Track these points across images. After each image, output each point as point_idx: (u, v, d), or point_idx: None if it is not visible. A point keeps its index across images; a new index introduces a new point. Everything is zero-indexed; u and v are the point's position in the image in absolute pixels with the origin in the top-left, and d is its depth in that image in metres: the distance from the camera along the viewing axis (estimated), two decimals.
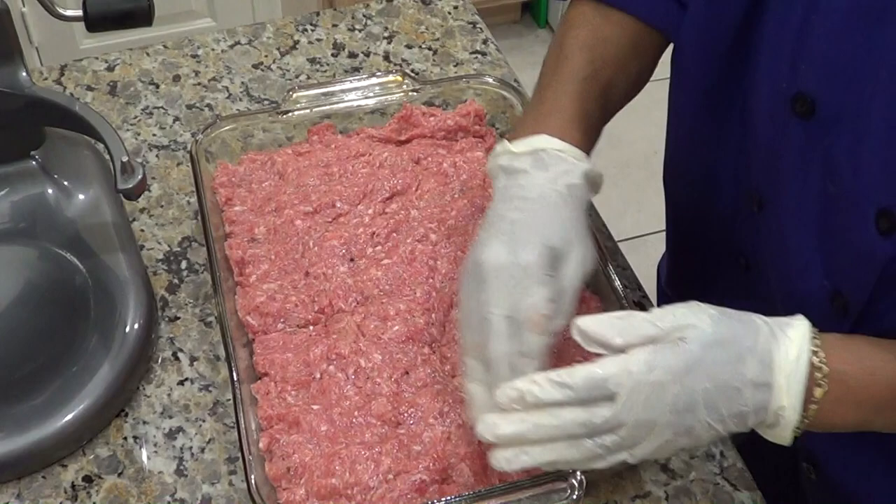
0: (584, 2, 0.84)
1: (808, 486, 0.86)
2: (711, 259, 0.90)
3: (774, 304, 0.78)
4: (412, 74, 1.02)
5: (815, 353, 0.64)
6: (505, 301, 0.67)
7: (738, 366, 0.62)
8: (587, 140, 0.77)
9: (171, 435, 0.81)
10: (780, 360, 0.63)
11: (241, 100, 1.08)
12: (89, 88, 1.09)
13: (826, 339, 0.65)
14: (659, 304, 1.00)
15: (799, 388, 0.63)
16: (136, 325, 0.82)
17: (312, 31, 1.16)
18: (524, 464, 0.64)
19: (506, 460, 0.64)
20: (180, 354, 0.86)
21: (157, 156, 1.02)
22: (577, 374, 0.62)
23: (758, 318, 0.65)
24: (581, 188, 0.73)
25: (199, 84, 1.10)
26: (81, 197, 0.91)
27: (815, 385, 0.63)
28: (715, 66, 0.78)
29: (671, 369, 0.62)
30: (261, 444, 0.75)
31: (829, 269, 0.72)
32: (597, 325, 0.64)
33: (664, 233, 1.01)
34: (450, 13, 1.19)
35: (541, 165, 0.73)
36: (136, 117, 1.06)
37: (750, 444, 0.81)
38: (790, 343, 0.64)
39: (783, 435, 0.65)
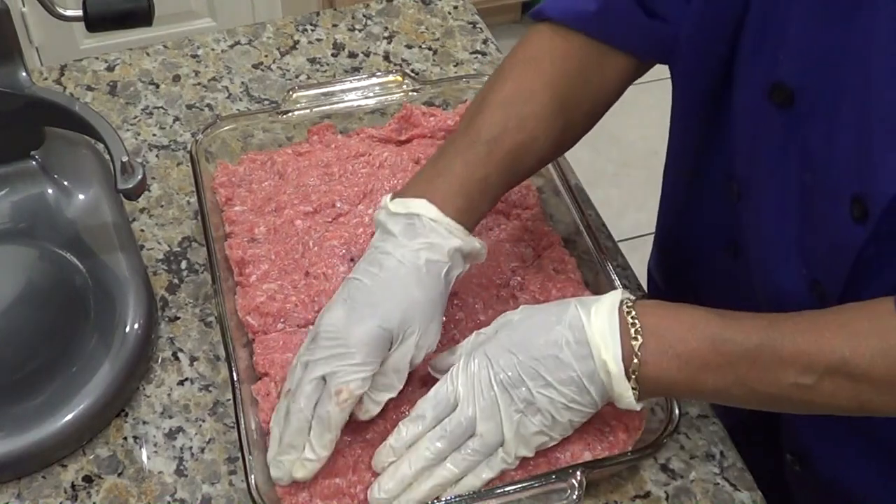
0: (543, 25, 0.83)
1: (793, 478, 0.87)
2: (702, 247, 0.91)
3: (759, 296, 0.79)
4: (412, 74, 1.02)
5: (627, 312, 0.68)
6: (325, 366, 0.70)
7: (548, 336, 0.68)
8: (472, 210, 0.75)
9: (171, 435, 0.81)
10: (591, 323, 0.68)
11: (241, 100, 1.08)
12: (89, 88, 1.09)
13: (642, 301, 0.69)
14: None
15: (614, 340, 0.67)
16: (136, 325, 0.82)
17: (312, 31, 1.16)
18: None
19: None
20: (180, 354, 0.86)
21: (157, 156, 1.02)
22: (422, 402, 0.70)
23: (571, 300, 0.70)
24: (442, 265, 0.73)
25: (199, 84, 1.10)
26: (81, 197, 0.91)
27: (632, 339, 0.67)
28: (712, 66, 0.78)
29: (489, 355, 0.69)
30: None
31: (806, 258, 0.73)
32: (439, 356, 0.75)
33: None
34: (450, 13, 1.19)
35: (410, 233, 0.73)
36: (136, 117, 1.06)
37: (733, 436, 0.82)
38: (600, 306, 0.68)
39: (625, 395, 0.68)
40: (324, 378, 0.70)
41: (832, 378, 0.64)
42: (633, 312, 0.68)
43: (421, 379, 0.79)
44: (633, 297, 0.70)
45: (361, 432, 0.76)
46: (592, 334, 0.68)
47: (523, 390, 0.69)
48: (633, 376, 0.68)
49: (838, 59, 0.65)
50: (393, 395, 0.73)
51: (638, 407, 0.70)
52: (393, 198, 0.75)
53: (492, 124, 0.77)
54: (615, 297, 0.70)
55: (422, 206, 0.73)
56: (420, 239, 0.73)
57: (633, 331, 0.67)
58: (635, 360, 0.67)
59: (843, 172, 0.66)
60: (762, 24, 0.71)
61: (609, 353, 0.67)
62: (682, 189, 0.92)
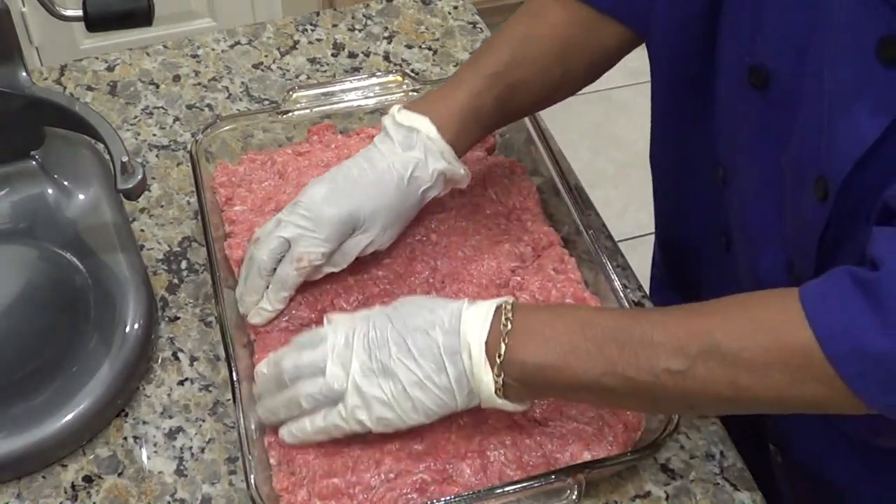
0: None
1: (776, 468, 0.87)
2: (697, 241, 0.91)
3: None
4: (412, 74, 1.02)
5: (506, 308, 0.69)
6: (294, 231, 0.79)
7: (428, 315, 0.70)
8: (465, 135, 0.82)
9: (171, 435, 0.81)
10: (467, 310, 0.69)
11: (241, 100, 1.08)
12: (89, 88, 1.09)
13: (522, 303, 0.72)
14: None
15: (483, 326, 0.68)
16: (136, 325, 0.82)
17: (312, 31, 1.16)
18: (267, 424, 0.75)
19: (264, 423, 0.76)
20: (180, 354, 0.86)
21: (157, 156, 1.02)
22: (308, 331, 0.76)
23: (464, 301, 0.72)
24: (423, 183, 0.81)
25: (199, 84, 1.10)
26: (81, 197, 0.91)
27: (501, 325, 0.68)
28: (688, 46, 0.80)
29: (371, 317, 0.72)
30: (272, 460, 0.75)
31: (784, 241, 0.73)
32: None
33: None
34: (450, 13, 1.19)
35: (406, 144, 0.81)
36: (136, 117, 1.06)
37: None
38: (482, 303, 0.70)
39: (485, 382, 0.68)
40: (289, 241, 0.79)
41: (705, 362, 0.63)
42: (510, 307, 0.69)
43: None
44: (513, 300, 0.71)
45: (360, 433, 0.76)
46: (465, 320, 0.69)
47: (384, 352, 0.70)
48: (499, 361, 0.67)
49: (806, 40, 0.66)
50: (335, 270, 0.81)
51: (500, 402, 0.69)
52: (401, 109, 0.82)
53: (496, 60, 0.83)
54: (500, 300, 0.71)
55: (423, 124, 0.81)
56: (414, 153, 0.80)
57: (504, 318, 0.68)
58: (502, 345, 0.67)
59: (808, 153, 0.67)
60: (739, 5, 0.72)
61: (475, 335, 0.68)
62: (672, 180, 0.93)
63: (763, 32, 0.70)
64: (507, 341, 0.67)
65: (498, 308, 0.69)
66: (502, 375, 0.68)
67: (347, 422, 0.71)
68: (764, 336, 0.62)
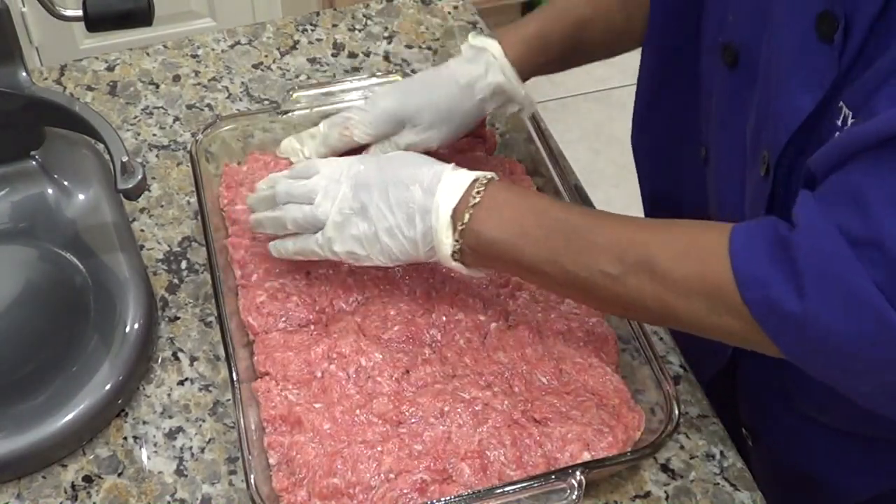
0: None
1: (749, 451, 0.89)
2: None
3: None
4: (412, 74, 1.02)
5: (482, 182, 0.74)
6: (352, 111, 0.88)
7: (414, 170, 0.77)
8: (529, 60, 0.88)
9: (171, 435, 0.81)
10: (448, 177, 0.75)
11: (241, 100, 1.08)
12: (89, 88, 1.09)
13: (501, 181, 0.76)
14: None
15: (455, 193, 0.74)
16: (136, 325, 0.82)
17: (312, 31, 1.16)
18: (254, 227, 0.85)
19: (252, 225, 0.85)
20: (180, 354, 0.86)
21: (157, 156, 1.02)
22: (307, 161, 0.87)
23: (450, 165, 0.78)
24: (480, 91, 0.87)
25: (199, 84, 1.10)
26: (81, 197, 0.91)
27: (471, 197, 0.74)
28: (675, 23, 0.82)
29: (364, 161, 0.80)
30: (272, 460, 0.75)
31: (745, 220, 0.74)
32: None
33: None
34: (450, 13, 1.19)
35: (473, 59, 0.87)
36: (136, 117, 1.06)
37: None
38: (465, 172, 0.76)
39: (444, 243, 0.74)
40: (340, 116, 0.89)
41: (637, 274, 0.67)
42: (485, 182, 0.75)
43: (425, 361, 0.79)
44: (494, 176, 0.76)
45: (361, 432, 0.76)
46: (443, 184, 0.75)
47: (366, 195, 0.77)
48: (460, 228, 0.74)
49: (762, 18, 0.67)
50: (382, 153, 0.87)
51: (454, 265, 0.75)
52: (476, 34, 0.90)
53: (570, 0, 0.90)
54: (479, 173, 0.76)
55: (491, 45, 0.88)
56: (476, 67, 0.87)
57: (475, 192, 0.74)
58: (466, 214, 0.74)
59: (760, 128, 0.69)
60: None
61: (446, 199, 0.74)
62: (658, 161, 0.94)
63: (734, 12, 0.72)
64: (471, 212, 0.73)
65: (475, 181, 0.75)
66: (461, 242, 0.74)
67: (322, 249, 0.79)
68: (692, 263, 0.65)
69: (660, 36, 0.86)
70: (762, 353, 0.66)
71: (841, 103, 0.61)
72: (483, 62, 0.87)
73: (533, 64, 0.89)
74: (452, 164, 0.77)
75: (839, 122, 0.61)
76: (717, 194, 0.80)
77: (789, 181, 0.67)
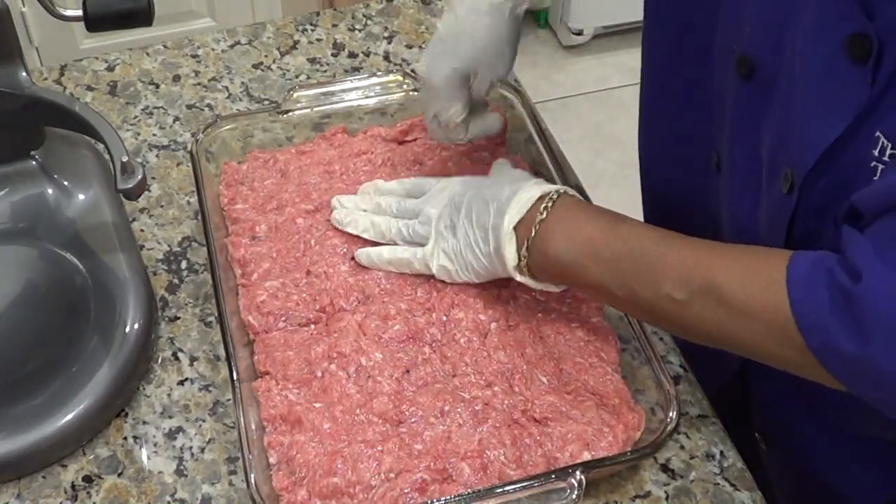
0: None
1: (764, 456, 0.89)
2: (683, 225, 0.92)
3: None
4: (412, 74, 1.02)
5: (550, 197, 0.75)
6: (430, 110, 0.88)
7: (498, 190, 0.78)
8: None
9: (171, 435, 0.81)
10: (519, 193, 0.76)
11: (241, 100, 1.08)
12: (89, 88, 1.09)
13: (568, 195, 0.77)
14: None
15: (522, 208, 0.75)
16: (136, 325, 0.82)
17: (312, 31, 1.16)
18: (345, 224, 0.87)
19: (339, 218, 0.88)
20: (180, 354, 0.86)
21: (157, 156, 1.02)
22: (411, 179, 0.89)
23: (535, 180, 0.80)
24: (506, 6, 0.83)
25: (199, 84, 1.10)
26: (81, 197, 0.91)
27: (538, 213, 0.75)
28: (684, 21, 0.81)
29: (463, 181, 0.84)
30: (271, 460, 0.75)
31: (760, 234, 0.74)
32: None
33: None
34: None
35: None
36: (136, 117, 1.06)
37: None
38: (537, 186, 0.77)
39: (508, 257, 0.76)
40: (434, 117, 0.88)
41: (702, 299, 0.66)
42: (555, 198, 0.76)
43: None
44: (567, 191, 0.77)
45: (361, 431, 0.76)
46: (514, 200, 0.76)
47: (457, 214, 0.80)
48: (527, 243, 0.75)
49: (783, 32, 0.67)
50: (495, 125, 0.91)
51: (519, 278, 0.77)
52: None
53: None
54: (552, 188, 0.77)
55: None
56: None
57: (542, 207, 0.75)
58: (532, 230, 0.74)
59: (780, 145, 0.69)
60: None
61: (510, 214, 0.76)
62: (663, 163, 0.94)
63: (750, 22, 0.71)
64: (537, 229, 0.74)
65: (544, 195, 0.76)
66: (527, 257, 0.75)
67: (419, 262, 0.83)
68: (757, 293, 0.64)
69: (663, 38, 0.85)
70: (826, 385, 0.65)
71: (878, 133, 0.60)
72: None
73: None
74: (536, 180, 0.79)
75: (876, 153, 0.60)
76: (729, 203, 0.79)
77: (812, 199, 0.66)
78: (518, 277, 0.77)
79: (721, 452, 0.80)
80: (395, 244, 0.85)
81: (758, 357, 0.68)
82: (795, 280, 0.62)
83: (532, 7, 0.91)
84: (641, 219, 1.03)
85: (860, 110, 0.61)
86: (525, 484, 0.71)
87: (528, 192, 0.76)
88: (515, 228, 0.75)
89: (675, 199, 0.94)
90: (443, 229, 0.81)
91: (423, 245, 0.83)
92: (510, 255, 0.76)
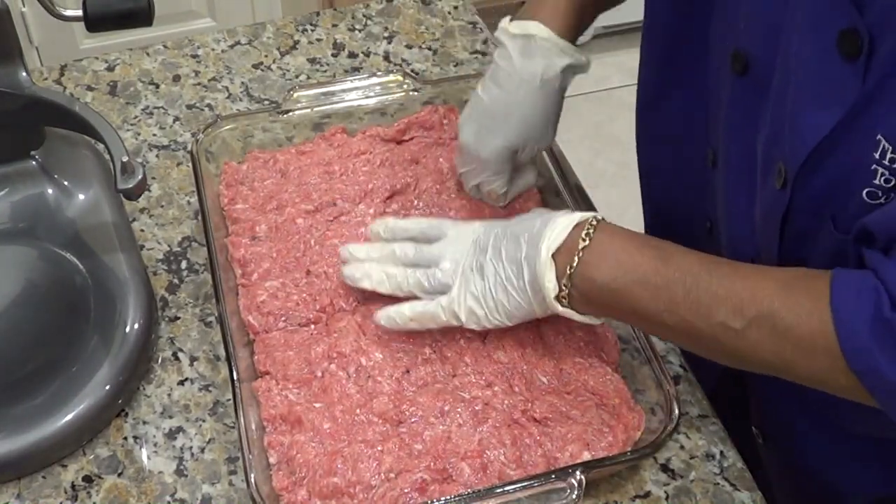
0: None
1: (760, 449, 0.89)
2: (685, 225, 0.92)
3: None
4: (412, 74, 1.02)
5: (589, 223, 0.72)
6: (474, 179, 0.88)
7: (528, 224, 0.75)
8: (576, 26, 0.85)
9: (171, 435, 0.81)
10: (553, 221, 0.73)
11: (241, 100, 1.08)
12: (89, 88, 1.09)
13: (606, 222, 0.74)
14: None
15: (559, 235, 0.72)
16: (136, 325, 0.82)
17: (312, 31, 1.16)
18: (357, 280, 0.81)
19: (349, 274, 0.82)
20: (180, 354, 0.86)
21: (157, 156, 1.02)
22: (423, 220, 0.83)
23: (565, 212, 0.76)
24: (555, 82, 0.84)
25: (199, 84, 1.10)
26: (81, 197, 0.91)
27: (580, 240, 0.71)
28: (681, 16, 0.81)
29: (485, 223, 0.79)
30: (271, 460, 0.75)
31: (755, 230, 0.74)
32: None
33: None
34: (450, 13, 1.19)
35: (527, 53, 0.83)
36: (136, 117, 1.06)
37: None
38: (573, 215, 0.74)
39: (547, 287, 0.72)
40: (475, 186, 0.88)
41: (758, 327, 0.65)
42: (595, 224, 0.72)
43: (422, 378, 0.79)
44: (602, 218, 0.74)
45: (361, 431, 0.76)
46: (548, 229, 0.73)
47: (483, 255, 0.76)
48: (569, 272, 0.71)
49: (777, 28, 0.67)
50: (531, 181, 0.90)
51: (560, 310, 0.73)
52: (511, 20, 0.85)
53: None
54: (589, 214, 0.74)
55: (536, 28, 0.83)
56: (537, 59, 0.83)
57: (583, 234, 0.72)
58: (576, 258, 0.71)
59: (773, 141, 0.69)
60: None
61: (546, 243, 0.72)
62: (660, 160, 0.94)
63: (746, 18, 0.71)
64: (581, 255, 0.71)
65: (581, 223, 0.72)
66: (569, 286, 0.71)
67: (445, 313, 0.77)
68: (817, 318, 0.63)
69: (662, 33, 0.85)
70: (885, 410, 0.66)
71: (879, 136, 0.60)
72: (540, 51, 0.83)
73: (578, 28, 0.86)
74: (567, 210, 0.75)
75: (877, 155, 0.60)
76: (725, 200, 0.80)
77: (807, 195, 0.66)
78: (559, 309, 0.73)
79: (721, 452, 0.80)
80: (413, 296, 0.80)
81: (818, 386, 0.66)
82: (838, 305, 0.62)
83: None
84: (641, 218, 1.04)
85: (852, 105, 0.61)
86: (525, 484, 0.71)
87: (564, 218, 0.73)
88: (554, 256, 0.72)
89: (674, 197, 0.94)
90: (469, 272, 0.77)
91: (444, 294, 0.78)
92: (550, 283, 0.72)
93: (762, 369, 0.69)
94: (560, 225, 0.72)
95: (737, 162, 0.76)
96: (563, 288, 0.72)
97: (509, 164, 0.86)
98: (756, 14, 0.70)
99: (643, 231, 1.06)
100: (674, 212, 0.95)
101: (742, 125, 0.74)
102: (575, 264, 0.71)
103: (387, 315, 0.80)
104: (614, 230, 0.73)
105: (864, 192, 0.62)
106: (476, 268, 0.76)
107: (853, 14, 0.59)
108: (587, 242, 0.71)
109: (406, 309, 0.79)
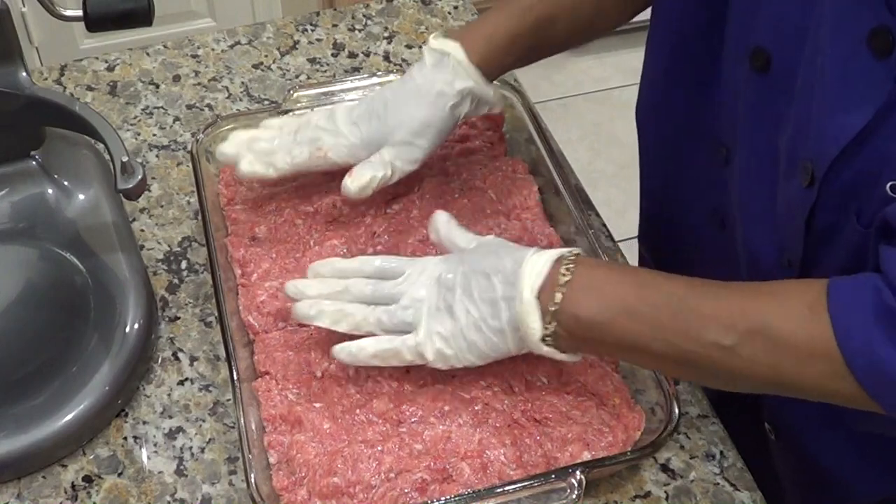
0: None
1: (772, 447, 0.89)
2: (688, 217, 0.92)
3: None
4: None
5: (567, 258, 0.71)
6: (327, 138, 0.86)
7: (496, 261, 0.73)
8: (495, 61, 0.86)
9: (171, 435, 0.81)
10: (530, 259, 0.71)
11: (241, 100, 1.08)
12: (89, 88, 1.09)
13: (585, 257, 0.72)
14: None
15: (539, 273, 0.70)
16: (136, 325, 0.82)
17: (312, 31, 1.16)
18: (312, 317, 0.77)
19: (302, 313, 0.77)
20: (180, 354, 0.86)
21: (157, 156, 1.02)
22: (379, 257, 0.79)
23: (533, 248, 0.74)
24: (449, 99, 0.84)
25: (199, 84, 1.10)
26: (81, 197, 0.91)
27: (560, 275, 0.70)
28: (694, 19, 0.80)
29: (446, 259, 0.77)
30: (271, 460, 0.75)
31: (776, 226, 0.74)
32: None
33: None
34: (450, 13, 1.19)
35: (438, 67, 0.85)
36: (136, 117, 1.06)
37: (721, 405, 0.84)
38: (547, 252, 0.72)
39: (532, 327, 0.70)
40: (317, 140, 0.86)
41: (752, 341, 0.64)
42: (573, 259, 0.71)
43: (423, 378, 0.79)
44: (580, 252, 0.73)
45: (361, 431, 0.76)
46: (524, 267, 0.71)
47: (451, 294, 0.74)
48: (552, 310, 0.69)
49: (802, 25, 0.66)
50: (378, 173, 0.84)
51: (546, 350, 0.71)
52: (437, 35, 0.87)
53: None
54: (564, 250, 0.72)
55: (453, 48, 0.85)
56: (442, 74, 0.84)
57: (563, 269, 0.70)
58: (558, 295, 0.69)
59: (799, 138, 0.68)
60: None
61: (528, 282, 0.70)
62: (665, 153, 0.93)
63: (766, 15, 0.71)
64: (564, 292, 0.69)
65: (560, 259, 0.71)
66: (554, 324, 0.69)
67: (410, 352, 0.74)
68: (814, 324, 0.63)
69: (673, 32, 0.84)
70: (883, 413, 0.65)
71: None
72: (448, 68, 0.84)
73: (499, 64, 0.87)
74: (535, 248, 0.73)
75: None
76: (740, 197, 0.79)
77: (834, 192, 0.66)
78: (543, 350, 0.71)
79: (721, 452, 0.80)
80: (372, 333, 0.76)
81: (818, 397, 0.66)
82: (836, 304, 0.62)
83: (476, 112, 0.89)
84: (639, 218, 1.04)
85: (882, 104, 0.60)
86: (525, 484, 0.71)
87: (541, 256, 0.71)
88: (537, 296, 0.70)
89: (674, 195, 0.94)
90: (435, 312, 0.74)
91: (407, 333, 0.75)
92: (535, 324, 0.70)
93: (759, 388, 0.69)
94: (539, 262, 0.71)
95: (755, 159, 0.75)
96: (547, 328, 0.70)
97: (363, 151, 0.85)
98: (777, 11, 0.69)
99: (638, 231, 1.06)
100: (674, 210, 0.94)
101: (761, 123, 0.73)
102: (558, 300, 0.69)
103: (347, 350, 0.76)
104: (594, 263, 0.72)
105: (889, 185, 0.61)
106: (444, 307, 0.74)
107: (883, 12, 0.59)
108: (569, 277, 0.69)
109: (368, 345, 0.76)
